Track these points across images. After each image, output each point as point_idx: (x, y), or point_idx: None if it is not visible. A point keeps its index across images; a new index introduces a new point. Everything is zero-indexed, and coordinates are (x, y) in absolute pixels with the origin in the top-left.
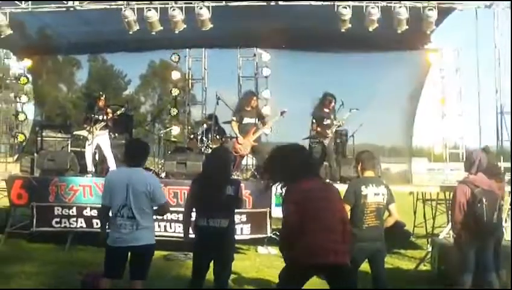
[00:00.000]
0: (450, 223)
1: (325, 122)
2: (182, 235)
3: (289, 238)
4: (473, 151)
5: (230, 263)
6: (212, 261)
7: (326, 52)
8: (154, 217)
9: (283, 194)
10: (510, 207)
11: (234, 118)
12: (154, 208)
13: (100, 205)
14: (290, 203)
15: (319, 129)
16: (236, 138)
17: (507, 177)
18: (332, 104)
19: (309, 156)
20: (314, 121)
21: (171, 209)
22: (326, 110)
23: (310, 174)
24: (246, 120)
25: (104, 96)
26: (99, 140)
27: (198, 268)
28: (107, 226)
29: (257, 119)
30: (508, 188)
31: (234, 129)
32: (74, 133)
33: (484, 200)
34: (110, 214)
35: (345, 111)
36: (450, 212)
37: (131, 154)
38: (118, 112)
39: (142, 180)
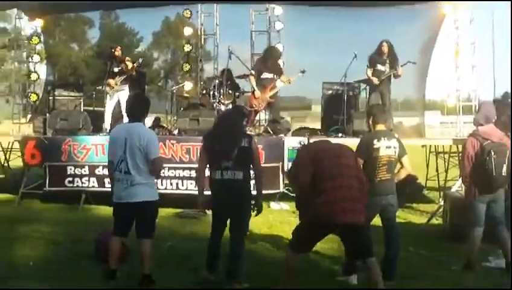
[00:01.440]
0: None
1: (378, 68)
2: (195, 192)
3: (304, 196)
4: (482, 104)
5: (248, 219)
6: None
7: (338, 6)
8: (166, 174)
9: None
10: None
11: (253, 72)
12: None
13: None
14: (305, 161)
15: (369, 74)
16: (253, 92)
17: None
18: (385, 48)
19: None
20: (368, 65)
21: (184, 166)
22: (383, 56)
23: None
24: (265, 75)
25: (119, 47)
26: (120, 95)
27: (216, 224)
28: None
29: (275, 75)
30: None
31: (252, 83)
32: (97, 88)
33: (493, 152)
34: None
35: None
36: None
37: (131, 110)
38: (139, 60)
39: (138, 134)
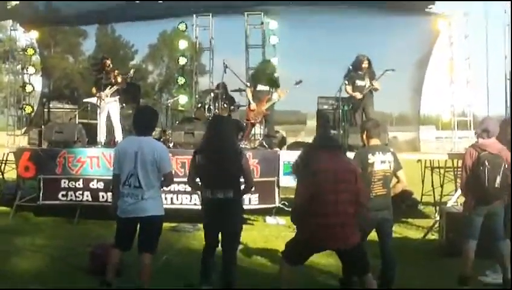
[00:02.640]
0: (457, 191)
1: (357, 84)
2: (190, 206)
3: (300, 212)
4: (484, 118)
5: (238, 236)
6: (220, 234)
7: (333, 18)
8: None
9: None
10: None
11: (249, 84)
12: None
13: (107, 177)
14: (303, 178)
15: (349, 91)
16: (249, 104)
17: None
18: (365, 64)
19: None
20: (346, 82)
21: (178, 180)
22: (359, 72)
23: (327, 149)
24: (260, 87)
25: (109, 59)
26: (110, 107)
27: (208, 240)
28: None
29: (271, 88)
30: None
31: (248, 96)
32: (84, 100)
33: (487, 163)
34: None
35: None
36: (459, 178)
37: (140, 123)
38: (130, 72)
39: (150, 148)
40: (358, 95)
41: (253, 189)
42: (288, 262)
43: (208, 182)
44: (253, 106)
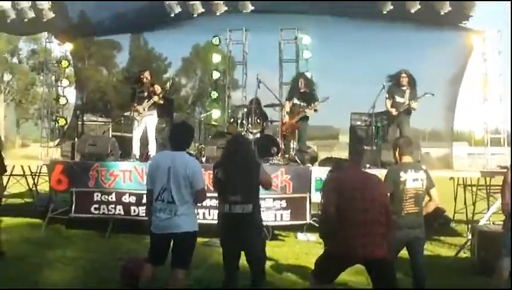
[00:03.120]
0: (490, 209)
1: (396, 100)
2: None
3: (328, 227)
4: None
5: (262, 250)
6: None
7: (366, 33)
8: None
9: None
10: None
11: (287, 98)
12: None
13: (139, 191)
14: (329, 192)
15: (388, 105)
16: (282, 118)
17: None
18: (404, 80)
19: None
20: (387, 95)
21: (211, 195)
22: (402, 87)
23: (352, 163)
24: (295, 100)
25: (148, 71)
26: (147, 120)
27: (227, 258)
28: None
29: (303, 101)
30: None
31: (286, 109)
32: (124, 114)
33: None
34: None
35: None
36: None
37: (175, 138)
38: (167, 85)
39: (183, 163)
40: (394, 112)
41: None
42: (317, 280)
43: (226, 197)
44: (285, 118)
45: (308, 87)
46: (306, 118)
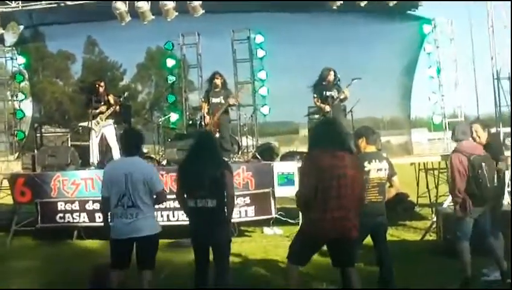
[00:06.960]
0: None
1: (325, 94)
2: (186, 222)
3: (304, 202)
4: (457, 124)
5: (227, 246)
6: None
7: (320, 29)
8: (156, 206)
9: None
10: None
11: (202, 99)
12: (154, 197)
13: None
14: (305, 175)
15: (318, 103)
16: (202, 119)
17: (507, 142)
18: (331, 76)
19: (333, 129)
20: (315, 95)
21: (173, 197)
22: (324, 83)
23: (332, 148)
24: (212, 100)
25: (103, 82)
26: (105, 130)
27: (197, 253)
28: (109, 219)
29: (223, 98)
30: (508, 153)
31: (203, 111)
32: (80, 125)
33: (484, 165)
34: (111, 205)
35: (345, 84)
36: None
37: (126, 144)
38: (124, 95)
39: (139, 168)
40: (327, 108)
41: (234, 200)
42: (294, 262)
43: (191, 192)
44: (207, 119)
45: (224, 84)
46: (226, 112)
